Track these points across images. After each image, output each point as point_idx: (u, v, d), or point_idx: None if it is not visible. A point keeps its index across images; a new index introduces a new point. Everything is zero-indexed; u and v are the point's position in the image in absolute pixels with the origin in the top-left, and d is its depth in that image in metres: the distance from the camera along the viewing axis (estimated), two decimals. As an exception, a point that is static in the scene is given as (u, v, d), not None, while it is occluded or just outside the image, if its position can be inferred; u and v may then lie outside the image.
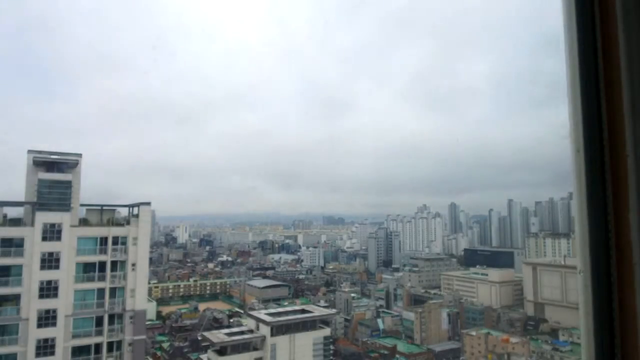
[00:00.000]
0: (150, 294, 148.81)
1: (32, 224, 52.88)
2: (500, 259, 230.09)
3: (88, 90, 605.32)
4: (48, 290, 51.98)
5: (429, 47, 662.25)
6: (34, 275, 51.40)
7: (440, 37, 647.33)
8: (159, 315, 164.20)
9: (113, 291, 55.61)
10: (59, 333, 51.91)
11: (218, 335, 71.89)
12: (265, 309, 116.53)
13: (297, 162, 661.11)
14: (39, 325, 51.07)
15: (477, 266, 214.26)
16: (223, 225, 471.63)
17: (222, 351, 67.46)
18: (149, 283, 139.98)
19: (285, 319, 73.66)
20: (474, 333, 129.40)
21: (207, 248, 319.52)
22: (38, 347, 50.69)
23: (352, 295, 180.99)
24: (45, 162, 56.35)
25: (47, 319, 51.59)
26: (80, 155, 58.87)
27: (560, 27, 2.06)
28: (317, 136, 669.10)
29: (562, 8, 2.04)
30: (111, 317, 55.02)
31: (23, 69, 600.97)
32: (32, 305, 51.00)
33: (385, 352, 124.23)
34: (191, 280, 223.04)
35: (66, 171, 56.77)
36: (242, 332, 74.38)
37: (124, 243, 56.82)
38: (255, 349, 69.61)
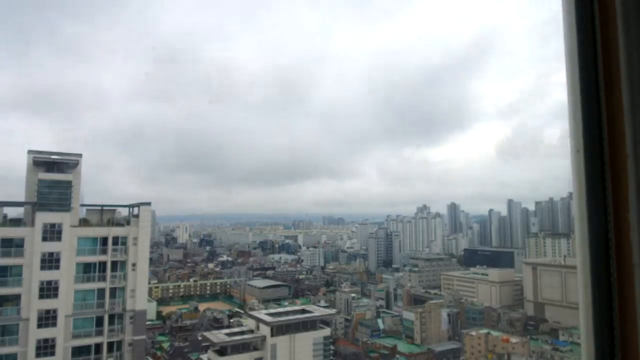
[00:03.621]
0: (150, 294, 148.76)
1: (32, 224, 52.89)
2: (500, 259, 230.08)
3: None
4: (48, 290, 51.98)
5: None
6: (34, 276, 51.40)
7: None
8: (159, 315, 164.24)
9: (113, 291, 55.61)
10: (59, 333, 51.91)
11: (218, 336, 71.88)
12: (266, 309, 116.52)
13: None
14: (39, 326, 51.06)
15: (477, 266, 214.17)
16: (223, 225, 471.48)
17: (222, 351, 67.44)
18: (149, 283, 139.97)
19: (285, 319, 73.63)
20: (474, 333, 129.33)
21: (207, 248, 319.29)
22: (38, 347, 50.68)
23: (352, 295, 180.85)
24: (45, 162, 56.38)
25: (48, 319, 51.58)
26: (80, 155, 58.93)
27: (560, 27, 2.06)
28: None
29: (562, 8, 2.04)
30: (111, 317, 55.02)
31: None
32: (32, 305, 51.00)
33: (386, 352, 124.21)
34: (191, 280, 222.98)
35: (66, 171, 56.80)
36: (242, 332, 74.35)
37: (124, 243, 56.82)
38: (255, 349, 69.60)
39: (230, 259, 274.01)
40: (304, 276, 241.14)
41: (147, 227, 60.67)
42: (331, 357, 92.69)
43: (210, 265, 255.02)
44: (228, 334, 73.02)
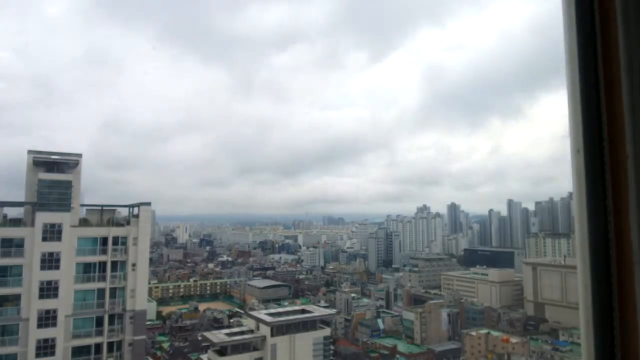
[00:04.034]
0: (150, 294, 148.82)
1: (33, 224, 52.87)
2: (500, 259, 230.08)
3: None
4: (48, 290, 51.96)
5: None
6: (34, 276, 51.39)
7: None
8: (159, 315, 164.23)
9: (113, 291, 55.59)
10: (59, 333, 51.90)
11: (218, 336, 71.84)
12: (266, 309, 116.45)
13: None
14: (39, 326, 51.05)
15: (477, 266, 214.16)
16: (223, 225, 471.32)
17: (222, 351, 67.41)
18: (149, 283, 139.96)
19: (285, 319, 73.59)
20: (474, 333, 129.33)
21: (207, 248, 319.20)
22: (38, 348, 50.67)
23: (352, 295, 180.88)
24: (45, 162, 56.36)
25: (48, 319, 51.56)
26: (80, 155, 58.91)
27: (560, 27, 2.06)
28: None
29: (562, 8, 2.04)
30: (111, 317, 55.01)
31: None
32: (32, 305, 50.99)
33: (386, 352, 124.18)
34: (191, 280, 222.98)
35: (66, 171, 56.78)
36: (242, 332, 74.31)
37: (124, 243, 56.80)
38: (255, 349, 69.56)
39: (230, 259, 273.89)
40: (304, 276, 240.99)
41: (147, 227, 60.65)
42: (331, 357, 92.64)
43: (210, 265, 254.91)
44: (228, 334, 72.97)
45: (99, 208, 61.65)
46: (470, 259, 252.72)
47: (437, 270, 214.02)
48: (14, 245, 51.49)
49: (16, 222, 55.98)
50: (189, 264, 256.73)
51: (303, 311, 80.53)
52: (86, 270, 54.75)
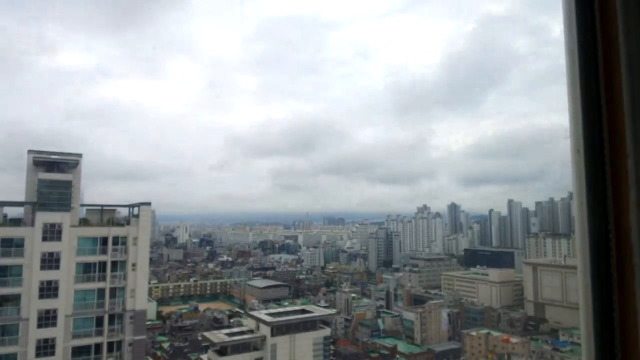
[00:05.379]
0: (150, 294, 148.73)
1: (33, 224, 52.90)
2: (501, 259, 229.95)
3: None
4: (48, 290, 51.99)
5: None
6: (34, 275, 51.41)
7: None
8: (159, 315, 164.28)
9: (113, 291, 55.62)
10: (59, 333, 51.92)
11: (218, 336, 71.88)
12: (266, 309, 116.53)
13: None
14: (39, 326, 51.08)
15: (478, 266, 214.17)
16: (223, 225, 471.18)
17: (222, 351, 67.44)
18: (149, 283, 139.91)
19: (285, 319, 73.63)
20: (474, 333, 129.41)
21: (207, 248, 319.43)
22: (38, 347, 50.70)
23: (353, 295, 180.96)
24: (45, 162, 56.40)
25: (47, 319, 51.60)
26: (80, 155, 58.93)
27: (561, 27, 2.06)
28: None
29: (562, 8, 2.04)
30: (111, 317, 55.03)
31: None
32: (32, 305, 51.02)
33: (386, 352, 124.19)
34: (191, 280, 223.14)
35: (66, 171, 56.81)
36: (242, 332, 74.36)
37: (124, 243, 56.83)
38: (255, 349, 69.60)
39: (230, 259, 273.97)
40: (304, 276, 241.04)
41: (147, 227, 60.68)
42: (331, 357, 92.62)
43: (210, 265, 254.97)
44: (228, 334, 73.03)
45: (99, 208, 61.69)
46: (471, 259, 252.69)
47: (437, 270, 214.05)
48: (14, 245, 51.51)
49: (16, 222, 56.03)
50: (189, 264, 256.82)
51: (303, 311, 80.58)
52: (86, 270, 54.78)
